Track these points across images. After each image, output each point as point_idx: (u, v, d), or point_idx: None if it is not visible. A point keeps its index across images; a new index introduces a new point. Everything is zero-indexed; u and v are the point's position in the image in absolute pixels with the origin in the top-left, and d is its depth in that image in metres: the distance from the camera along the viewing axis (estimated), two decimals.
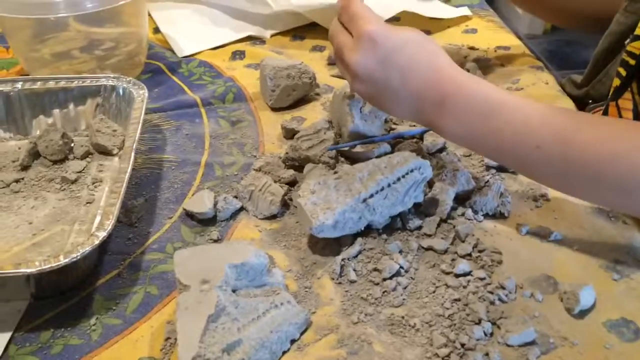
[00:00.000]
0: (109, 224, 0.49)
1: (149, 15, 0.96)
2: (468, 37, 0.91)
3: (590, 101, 0.70)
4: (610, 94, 0.60)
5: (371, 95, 0.55)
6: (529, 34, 2.90)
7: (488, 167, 0.62)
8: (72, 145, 0.66)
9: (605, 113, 0.61)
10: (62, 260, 0.45)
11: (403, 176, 0.54)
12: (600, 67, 0.70)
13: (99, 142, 0.64)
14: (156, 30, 0.94)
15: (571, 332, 0.45)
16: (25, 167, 0.64)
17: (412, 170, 0.54)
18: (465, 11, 0.97)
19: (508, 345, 0.44)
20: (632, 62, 0.56)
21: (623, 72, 0.57)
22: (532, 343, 0.44)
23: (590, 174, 0.46)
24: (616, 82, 0.58)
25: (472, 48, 0.86)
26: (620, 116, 0.59)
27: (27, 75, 0.79)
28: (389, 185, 0.53)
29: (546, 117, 0.48)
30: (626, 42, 0.59)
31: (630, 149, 0.45)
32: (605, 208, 0.56)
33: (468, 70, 0.78)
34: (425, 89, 0.51)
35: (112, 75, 0.70)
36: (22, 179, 0.62)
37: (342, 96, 0.64)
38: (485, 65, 0.82)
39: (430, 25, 0.94)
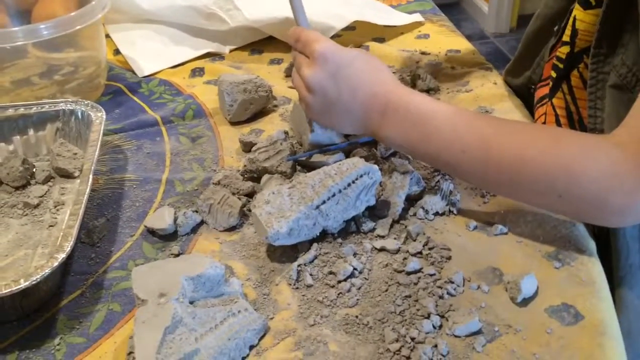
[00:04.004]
0: (68, 245, 0.50)
1: (109, 37, 0.97)
2: (421, 42, 0.94)
3: (533, 87, 0.73)
4: (541, 78, 0.64)
5: (322, 108, 0.59)
6: (495, 32, 2.96)
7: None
8: (34, 170, 0.67)
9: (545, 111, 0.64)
10: (23, 284, 0.47)
11: (353, 181, 0.56)
12: (533, 49, 0.74)
13: (60, 166, 0.66)
14: (116, 51, 0.96)
15: (515, 320, 0.48)
16: None
17: (361, 176, 0.56)
18: (417, 17, 1.00)
19: (455, 336, 0.47)
20: (560, 65, 0.60)
21: (554, 74, 0.61)
22: (478, 332, 0.47)
23: (507, 176, 0.50)
24: (550, 83, 0.62)
25: (424, 53, 0.89)
26: (556, 114, 0.62)
27: None
28: (340, 191, 0.55)
29: (471, 124, 0.52)
30: (555, 28, 0.63)
31: (539, 154, 0.49)
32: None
33: (419, 75, 0.81)
34: (371, 99, 0.56)
35: (70, 100, 0.71)
36: None
37: (301, 107, 0.67)
38: (436, 69, 0.85)
39: (385, 33, 0.97)
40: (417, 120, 0.54)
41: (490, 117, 0.54)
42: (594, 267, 0.52)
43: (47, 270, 0.48)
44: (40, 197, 0.64)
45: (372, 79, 0.57)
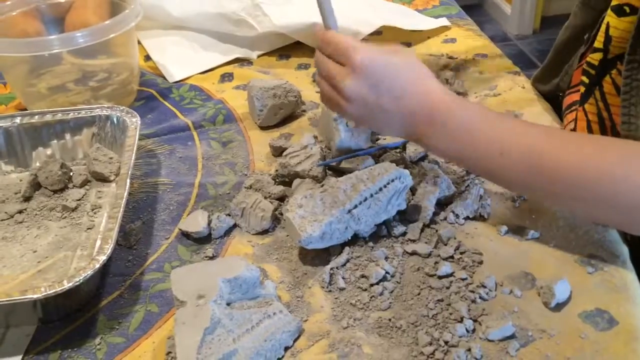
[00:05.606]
0: (109, 248, 0.52)
1: (140, 43, 0.99)
2: (447, 47, 0.94)
3: (561, 94, 0.73)
4: (569, 85, 0.64)
5: (363, 117, 0.57)
6: (518, 34, 2.94)
7: (468, 172, 0.64)
8: (71, 174, 0.69)
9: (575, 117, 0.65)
10: (66, 285, 0.48)
11: (385, 186, 0.56)
12: (562, 58, 0.74)
13: (96, 170, 0.67)
14: (147, 58, 0.98)
15: (548, 325, 0.48)
16: (27, 198, 0.67)
17: (392, 180, 0.57)
18: (444, 22, 1.00)
19: (489, 340, 0.47)
20: (592, 72, 0.60)
21: (586, 80, 0.61)
22: (511, 337, 0.47)
23: (561, 185, 0.50)
24: (582, 89, 0.62)
25: (451, 57, 0.90)
26: (588, 120, 0.62)
27: (25, 109, 0.82)
28: (371, 196, 0.56)
29: (520, 130, 0.52)
30: (585, 36, 0.63)
31: (581, 160, 0.49)
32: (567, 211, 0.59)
33: (447, 80, 0.81)
34: (418, 110, 0.54)
35: (106, 105, 0.73)
36: (25, 209, 0.65)
37: (329, 112, 0.67)
38: (463, 73, 0.85)
39: (411, 37, 0.98)
40: (464, 130, 0.53)
41: (536, 124, 0.54)
42: (628, 273, 0.52)
43: (90, 272, 0.49)
44: (78, 200, 0.66)
45: (417, 90, 0.54)
